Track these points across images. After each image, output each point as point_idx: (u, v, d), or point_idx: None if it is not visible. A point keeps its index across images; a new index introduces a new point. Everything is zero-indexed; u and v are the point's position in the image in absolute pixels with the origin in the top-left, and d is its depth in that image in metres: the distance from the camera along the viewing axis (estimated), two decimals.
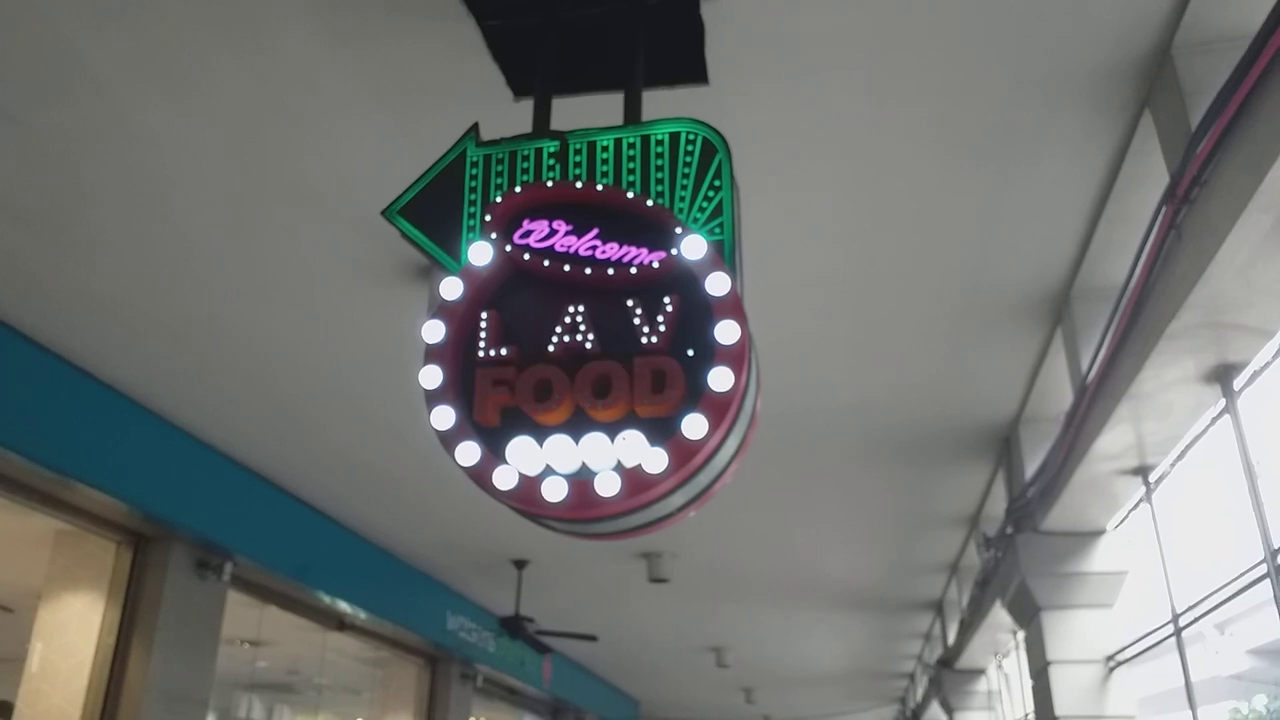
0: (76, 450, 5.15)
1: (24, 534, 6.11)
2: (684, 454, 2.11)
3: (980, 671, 9.39)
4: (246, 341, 4.92)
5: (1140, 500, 5.04)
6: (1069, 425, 4.56)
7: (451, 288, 2.37)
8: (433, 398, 2.29)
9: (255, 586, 7.27)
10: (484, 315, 2.32)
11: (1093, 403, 4.19)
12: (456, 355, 2.32)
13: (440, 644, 9.77)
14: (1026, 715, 7.57)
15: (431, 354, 2.32)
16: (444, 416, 2.27)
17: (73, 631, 6.04)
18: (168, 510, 5.87)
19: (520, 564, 8.79)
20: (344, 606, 8.12)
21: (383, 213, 2.54)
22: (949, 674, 9.43)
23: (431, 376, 2.30)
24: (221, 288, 4.43)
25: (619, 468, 2.18)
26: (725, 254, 2.31)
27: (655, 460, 2.13)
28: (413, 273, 4.15)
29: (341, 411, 5.72)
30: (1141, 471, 4.65)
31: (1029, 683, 6.04)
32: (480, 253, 2.39)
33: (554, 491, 2.19)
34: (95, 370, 5.22)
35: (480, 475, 2.24)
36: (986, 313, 4.58)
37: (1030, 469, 5.43)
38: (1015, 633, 7.66)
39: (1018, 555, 5.46)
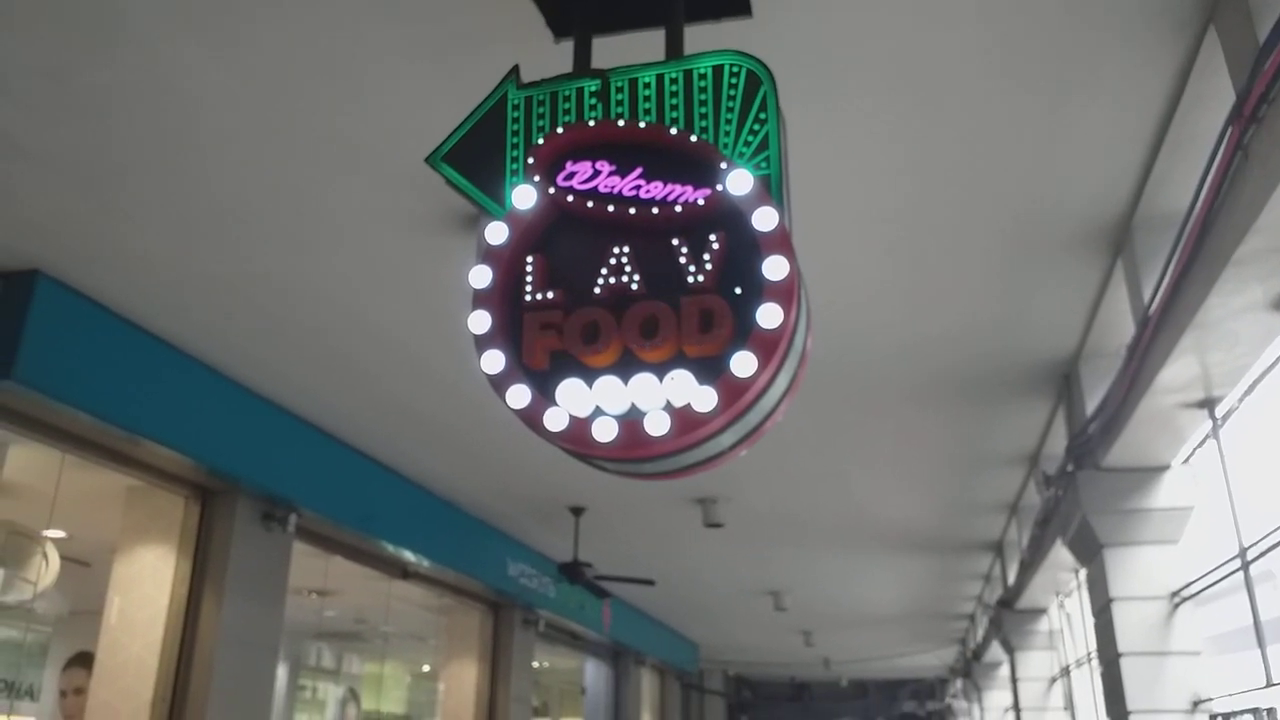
0: (143, 408, 5.29)
1: (97, 491, 6.32)
2: (733, 392, 2.10)
3: (1041, 611, 9.33)
4: (299, 297, 4.98)
5: (1207, 435, 4.92)
6: (1131, 358, 4.44)
7: (496, 232, 2.37)
8: (482, 342, 2.30)
9: (320, 537, 7.46)
10: (530, 259, 2.32)
11: (1156, 334, 4.08)
12: (504, 300, 2.32)
13: (502, 590, 9.98)
14: (1089, 654, 7.52)
15: (479, 299, 2.33)
16: (494, 360, 2.28)
17: (147, 584, 6.26)
18: (232, 465, 6.03)
19: (577, 511, 8.89)
20: (407, 555, 8.31)
21: (426, 159, 2.53)
22: (1009, 614, 9.38)
23: (480, 321, 2.31)
24: (272, 244, 4.48)
25: (668, 407, 2.18)
26: (772, 188, 2.27)
27: (704, 399, 2.12)
28: (460, 222, 4.15)
29: (396, 363, 5.79)
30: (1207, 404, 4.53)
31: (1091, 621, 5.99)
32: (524, 196, 2.38)
33: (604, 432, 2.19)
34: (156, 330, 5.34)
35: (531, 417, 2.26)
36: (1045, 246, 4.46)
37: (1091, 405, 5.32)
38: (1077, 571, 7.59)
39: (1079, 493, 5.38)
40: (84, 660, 8.43)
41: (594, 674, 14.92)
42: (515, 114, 2.54)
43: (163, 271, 4.73)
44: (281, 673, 9.70)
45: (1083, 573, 6.52)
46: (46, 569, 6.93)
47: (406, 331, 5.36)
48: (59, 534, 7.29)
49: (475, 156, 2.55)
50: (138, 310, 5.13)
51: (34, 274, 4.65)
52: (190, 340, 5.49)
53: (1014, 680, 9.66)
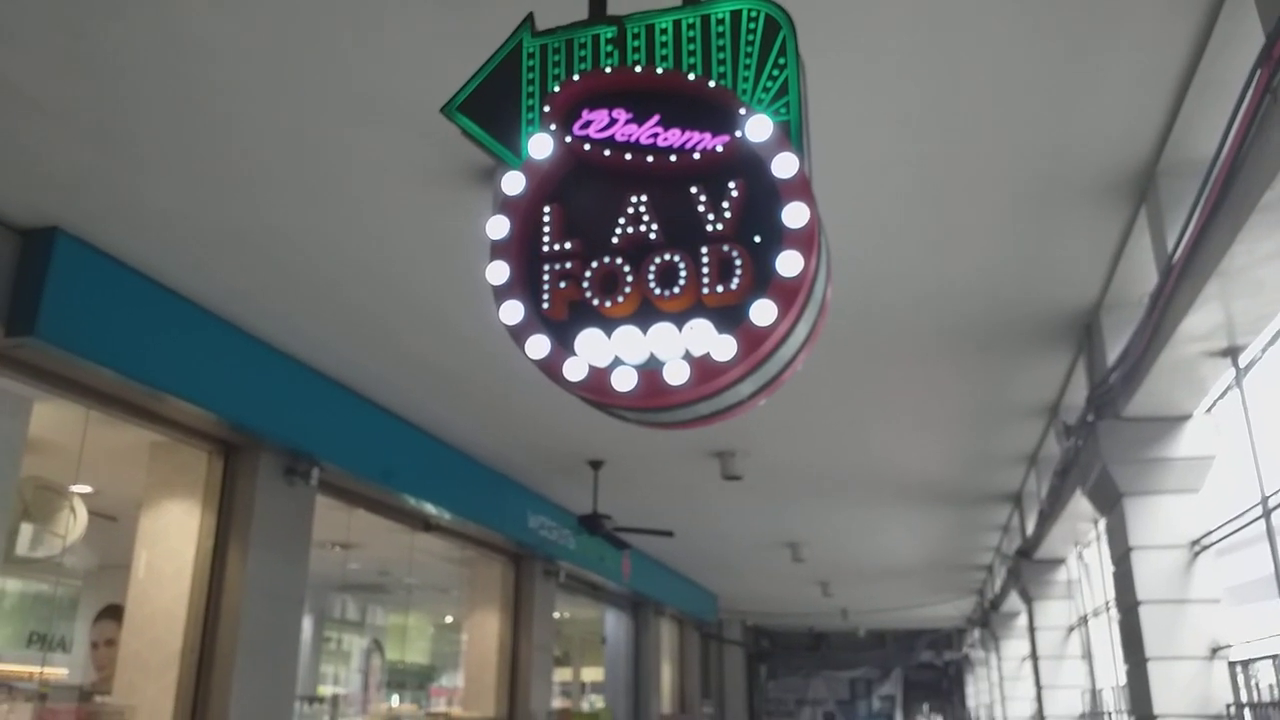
0: (164, 364, 5.34)
1: (122, 447, 6.41)
2: (752, 341, 2.09)
3: (1059, 561, 9.36)
4: (317, 252, 4.99)
5: (1230, 384, 4.88)
6: (1154, 307, 4.40)
7: (513, 182, 2.35)
8: (500, 293, 2.29)
9: (343, 491, 7.55)
10: (547, 209, 2.31)
11: (1179, 282, 4.03)
12: (522, 250, 2.32)
13: (523, 542, 10.09)
14: (1107, 602, 7.55)
15: (497, 250, 2.32)
16: (512, 311, 2.28)
17: (173, 537, 6.37)
18: (254, 419, 6.08)
19: (596, 464, 8.95)
20: (429, 508, 8.40)
21: (441, 110, 2.51)
22: (1028, 564, 9.42)
23: (498, 272, 2.31)
24: (287, 198, 4.48)
25: (687, 356, 2.17)
26: (792, 134, 2.24)
27: (723, 348, 2.11)
28: (477, 174, 4.13)
29: (414, 318, 5.80)
30: (1231, 353, 4.48)
31: (1110, 570, 6.00)
32: (540, 145, 2.35)
33: (623, 381, 2.19)
34: (176, 286, 5.37)
35: (551, 367, 2.26)
36: (1067, 194, 4.40)
37: (1112, 355, 5.28)
38: (1096, 521, 7.59)
39: (1099, 442, 5.36)
40: (113, 613, 8.62)
41: (614, 624, 15.13)
42: (530, 62, 2.51)
43: (180, 227, 4.74)
44: (307, 624, 9.88)
45: (1102, 522, 6.52)
46: (74, 523, 7.05)
47: (424, 285, 5.37)
48: (86, 489, 7.41)
49: (491, 106, 2.52)
50: (157, 267, 5.16)
51: (53, 231, 4.67)
52: (210, 296, 5.51)
53: (1032, 629, 9.72)
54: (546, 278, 2.29)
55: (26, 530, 6.93)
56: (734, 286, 2.10)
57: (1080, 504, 6.68)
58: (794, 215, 2.07)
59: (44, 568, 7.74)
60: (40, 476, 6.79)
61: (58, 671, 9.83)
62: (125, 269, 5.08)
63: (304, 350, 6.32)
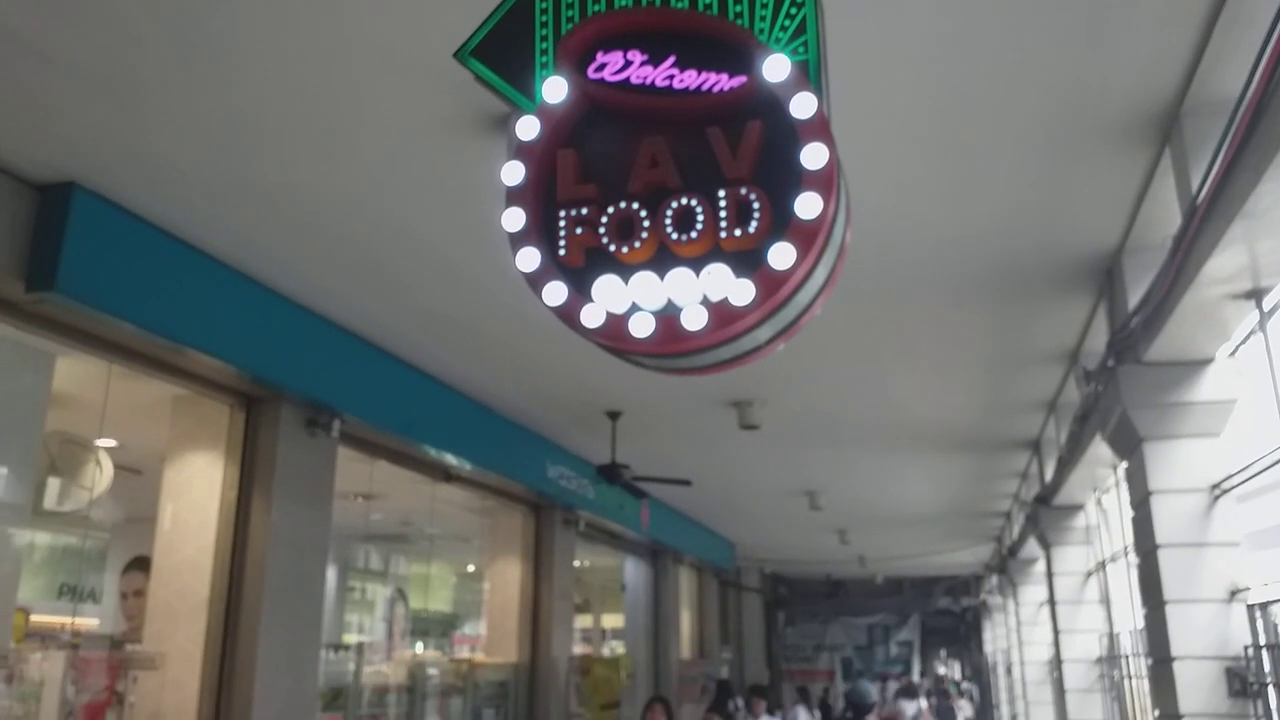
0: (184, 317, 5.36)
1: (144, 400, 6.47)
2: (771, 285, 2.08)
3: (1078, 507, 9.36)
4: (331, 205, 4.98)
5: (1254, 327, 4.82)
6: (1177, 249, 4.34)
7: (528, 127, 2.33)
8: (516, 240, 2.29)
9: (364, 442, 7.62)
10: (562, 154, 2.29)
11: (1203, 224, 3.97)
12: (537, 196, 2.30)
13: (542, 492, 10.18)
14: (1126, 548, 7.57)
15: (512, 196, 2.31)
16: (529, 258, 2.28)
17: (197, 489, 6.45)
18: (274, 372, 6.13)
19: (614, 415, 8.98)
20: (449, 459, 8.48)
21: (454, 55, 2.48)
22: (1046, 511, 9.43)
23: (514, 219, 2.30)
24: (300, 150, 4.46)
25: (705, 301, 2.17)
26: (810, 74, 2.20)
27: (742, 292, 2.11)
28: (491, 122, 4.09)
29: (430, 269, 5.80)
30: (1255, 295, 4.42)
31: (1129, 515, 6.00)
32: (554, 89, 2.33)
33: (641, 327, 2.19)
34: (193, 240, 5.37)
35: (568, 314, 2.26)
36: (1090, 136, 4.32)
37: (1134, 299, 5.22)
38: (1115, 467, 7.57)
39: (1119, 387, 5.32)
40: (141, 564, 8.78)
41: (633, 572, 15.31)
42: (544, 4, 2.47)
43: (194, 182, 4.74)
44: (331, 574, 10.02)
45: (1121, 468, 6.51)
46: (100, 476, 7.16)
47: (440, 236, 5.35)
48: (110, 443, 7.51)
49: (504, 50, 2.49)
50: (174, 221, 5.16)
51: (69, 186, 4.67)
52: (227, 251, 5.52)
53: (1049, 575, 9.77)
54: (563, 224, 2.28)
55: (54, 484, 7.05)
56: (752, 230, 2.08)
57: (1100, 449, 6.66)
58: (813, 156, 2.05)
59: (72, 521, 7.89)
60: (65, 431, 6.89)
61: (89, 622, 10.06)
62: (142, 223, 5.09)
63: (322, 304, 6.34)
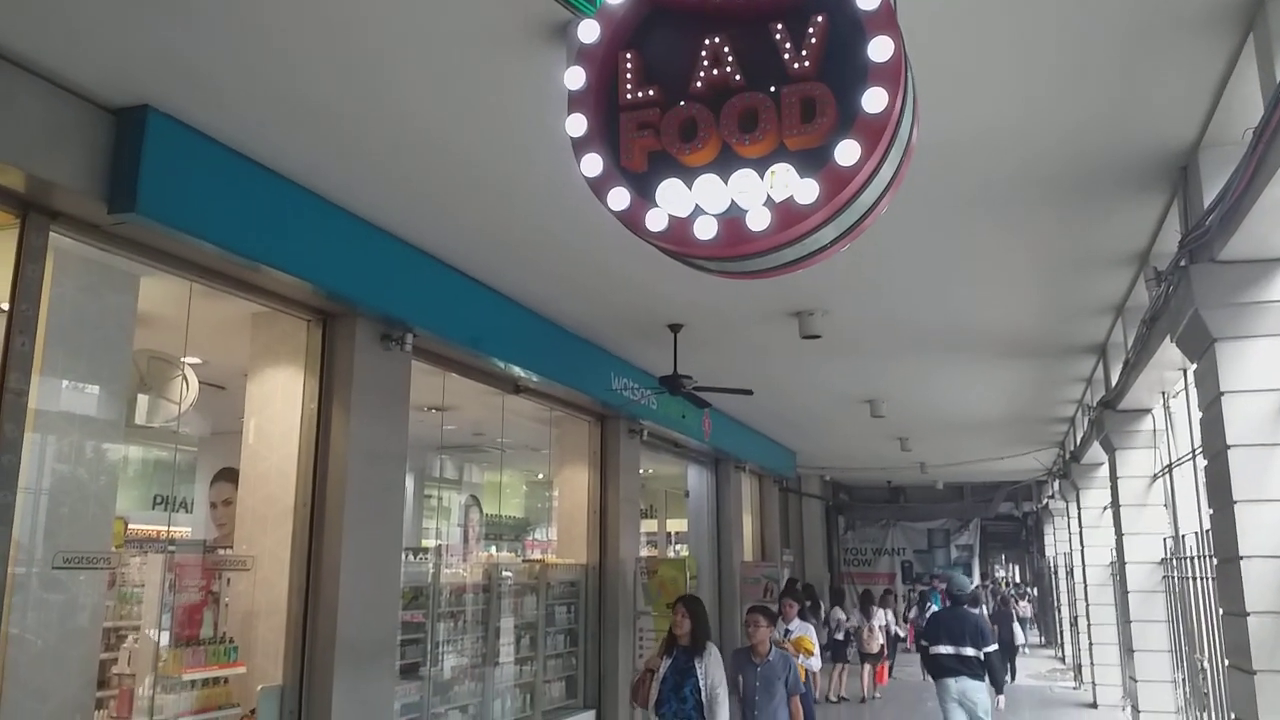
0: (260, 237, 5.52)
1: (225, 318, 6.72)
2: (836, 183, 2.10)
3: (1145, 411, 9.24)
4: (399, 123, 5.02)
5: None
6: (1257, 142, 4.19)
7: (589, 30, 2.35)
8: (579, 146, 2.33)
9: (436, 356, 7.83)
10: (623, 56, 2.30)
11: None
12: (600, 101, 2.33)
13: (607, 403, 10.38)
14: (1194, 450, 7.49)
15: (575, 101, 2.34)
16: (592, 164, 2.32)
17: (279, 402, 6.73)
18: (349, 288, 6.29)
19: (675, 328, 9.06)
20: (517, 371, 8.67)
21: None
22: (1111, 415, 9.32)
23: (576, 124, 2.34)
24: (363, 69, 4.49)
25: (769, 202, 2.20)
26: None
27: (806, 191, 2.13)
28: (548, 32, 4.08)
29: (496, 187, 5.85)
30: None
31: (1197, 417, 5.93)
32: None
33: (705, 230, 2.24)
34: (267, 161, 5.48)
35: (632, 219, 2.31)
36: (1168, 26, 4.16)
37: (1209, 196, 5.08)
38: (1184, 369, 7.45)
39: (1192, 287, 5.22)
40: (229, 475, 9.22)
41: (696, 479, 15.58)
42: None
43: (261, 102, 4.81)
44: (409, 483, 10.41)
45: (1190, 370, 6.40)
46: (187, 391, 7.49)
47: (503, 155, 5.37)
48: (194, 360, 7.82)
49: None
50: (245, 143, 5.27)
51: (144, 109, 4.79)
52: (298, 171, 5.63)
53: (1114, 479, 9.69)
54: (625, 128, 2.32)
55: (143, 400, 7.38)
56: (817, 127, 2.09)
57: (1168, 352, 6.55)
58: (879, 49, 2.04)
59: (162, 435, 8.28)
60: (152, 349, 7.18)
61: (182, 530, 10.63)
62: (216, 144, 5.21)
63: (391, 222, 6.45)
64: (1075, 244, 6.93)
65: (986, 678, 8.33)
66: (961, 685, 8.29)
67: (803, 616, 8.01)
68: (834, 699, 14.61)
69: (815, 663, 7.30)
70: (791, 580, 18.18)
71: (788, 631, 7.45)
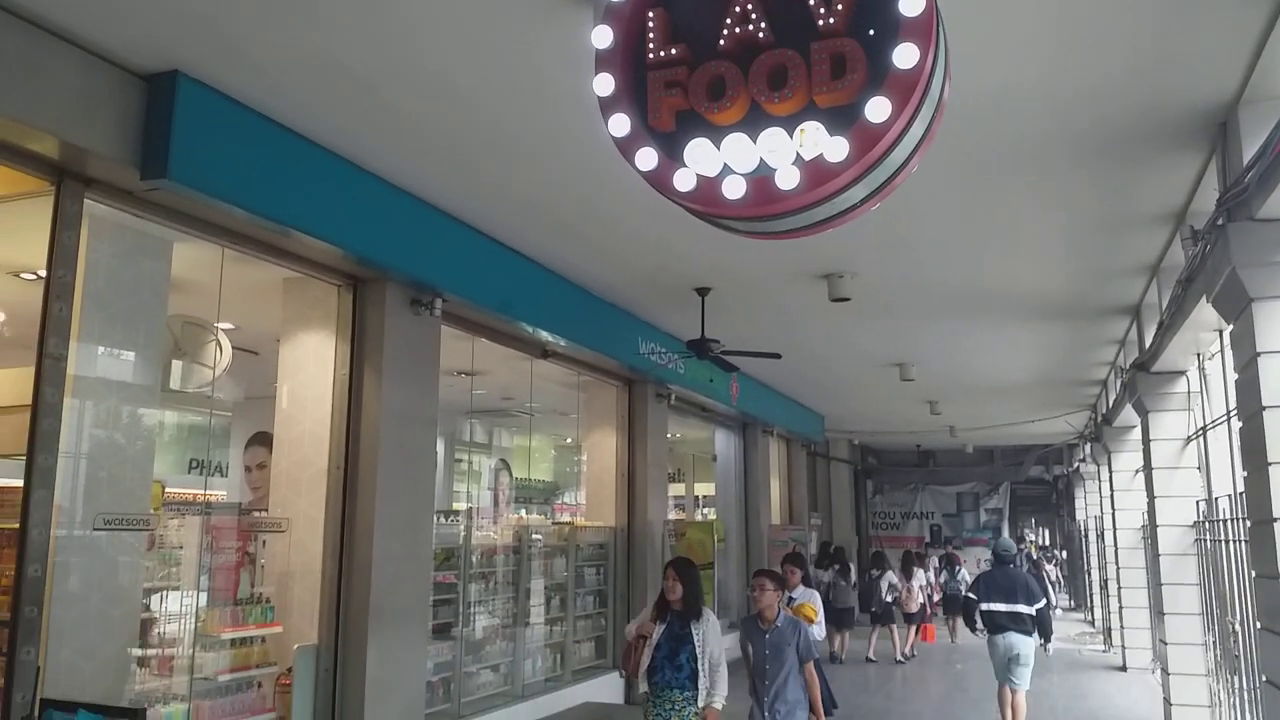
0: (291, 202, 5.56)
1: (257, 284, 6.79)
2: (866, 140, 2.08)
3: (1179, 373, 9.11)
4: (428, 84, 5.01)
5: None
6: None
7: None
8: (607, 105, 2.32)
9: (465, 321, 7.89)
10: (651, 15, 2.29)
11: None
12: (627, 59, 2.32)
13: (635, 367, 10.41)
14: (1229, 412, 7.39)
15: (602, 60, 2.33)
16: (620, 124, 2.31)
17: (311, 366, 6.81)
18: (379, 254, 6.33)
19: (703, 291, 9.04)
20: (545, 336, 8.71)
21: None
22: (1144, 377, 9.20)
23: (604, 84, 2.33)
24: (391, 33, 4.49)
25: (798, 161, 2.18)
26: None
27: (836, 149, 2.11)
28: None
29: (526, 157, 5.84)
30: None
31: (1233, 379, 5.85)
32: None
33: (733, 190, 2.23)
34: (297, 127, 5.51)
35: (659, 180, 2.30)
36: None
37: (1249, 153, 4.97)
38: (1219, 331, 7.34)
39: (1229, 246, 5.12)
40: (263, 439, 9.35)
41: (723, 443, 15.62)
42: None
43: (293, 66, 4.82)
44: (440, 446, 10.50)
45: (1226, 332, 6.30)
46: (220, 356, 7.57)
47: (531, 120, 5.36)
48: (228, 326, 7.91)
49: None
50: (276, 109, 5.30)
51: (174, 75, 4.82)
52: (328, 137, 5.66)
53: (1146, 442, 9.58)
54: (653, 87, 2.30)
55: (178, 365, 7.48)
56: (847, 84, 2.07)
57: (1204, 313, 6.44)
58: (910, 3, 2.02)
59: (196, 400, 8.40)
60: (186, 314, 7.27)
61: (217, 494, 10.81)
62: (247, 110, 5.24)
63: (420, 188, 6.47)
64: (1110, 203, 6.82)
65: (1035, 633, 8.82)
66: (1009, 640, 8.81)
67: (807, 583, 7.56)
68: (902, 657, 14.72)
69: (818, 630, 6.94)
70: (825, 544, 18.35)
71: (790, 599, 6.92)
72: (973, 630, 9.34)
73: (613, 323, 9.79)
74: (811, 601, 7.15)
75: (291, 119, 5.43)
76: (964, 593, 10.00)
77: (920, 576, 15.98)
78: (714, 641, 5.41)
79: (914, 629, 15.57)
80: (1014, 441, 23.72)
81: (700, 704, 5.29)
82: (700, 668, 5.31)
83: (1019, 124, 5.47)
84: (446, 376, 7.98)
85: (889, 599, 15.08)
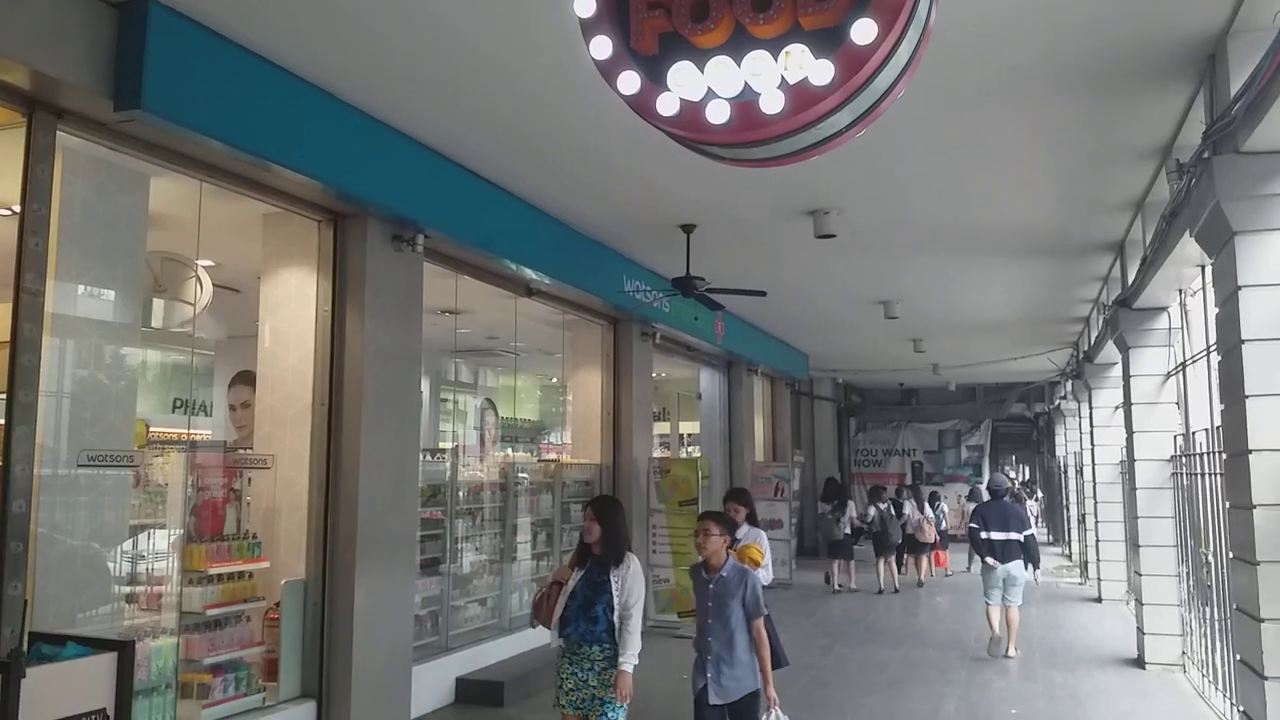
0: (269, 134, 5.47)
1: (236, 220, 6.70)
2: (852, 63, 2.06)
3: (1160, 309, 9.18)
4: (406, 11, 4.92)
5: None
6: None
7: None
8: (589, 27, 2.28)
9: (448, 258, 7.83)
10: None
11: None
12: None
13: (619, 305, 10.39)
14: (1209, 347, 7.46)
15: None
16: (601, 46, 2.28)
17: (293, 303, 6.76)
18: (358, 188, 6.25)
19: (688, 228, 8.99)
20: (529, 273, 8.67)
21: None
22: (1126, 313, 9.27)
23: (585, 5, 2.28)
24: None
25: (783, 84, 2.15)
26: None
27: (821, 73, 2.09)
28: None
29: (506, 87, 5.75)
30: None
31: (1214, 314, 5.89)
32: None
33: (717, 114, 2.20)
34: (276, 58, 5.40)
35: (642, 104, 2.27)
36: None
37: (1236, 85, 4.94)
38: (1202, 266, 7.37)
39: (1214, 178, 5.12)
40: (246, 378, 9.33)
41: (708, 382, 15.69)
42: None
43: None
44: (426, 386, 10.50)
45: (1208, 266, 6.33)
46: (201, 293, 7.51)
47: (512, 54, 5.27)
48: (208, 262, 7.83)
49: None
50: (255, 40, 5.19)
51: (145, 2, 4.69)
52: (308, 69, 5.55)
53: (1126, 378, 9.69)
54: (635, 8, 2.26)
55: (158, 303, 7.42)
56: (832, 5, 2.04)
57: (1187, 248, 6.47)
58: None
59: (179, 339, 8.35)
60: (165, 250, 7.18)
61: (202, 433, 10.81)
62: (224, 40, 5.12)
63: (402, 121, 6.37)
64: (1097, 136, 6.79)
65: (1022, 558, 10.12)
66: (1007, 563, 10.03)
67: (753, 521, 6.60)
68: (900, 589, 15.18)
69: (765, 574, 5.76)
70: (829, 480, 18.89)
71: (735, 540, 5.86)
72: (982, 557, 10.27)
73: (597, 260, 9.74)
74: (758, 542, 6.24)
75: (270, 49, 5.32)
76: (968, 524, 10.98)
77: (914, 508, 16.59)
78: (635, 588, 4.82)
79: (927, 558, 16.62)
80: (996, 379, 23.93)
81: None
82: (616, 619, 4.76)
83: (1006, 54, 5.41)
84: (430, 315, 7.95)
85: (909, 530, 15.96)
